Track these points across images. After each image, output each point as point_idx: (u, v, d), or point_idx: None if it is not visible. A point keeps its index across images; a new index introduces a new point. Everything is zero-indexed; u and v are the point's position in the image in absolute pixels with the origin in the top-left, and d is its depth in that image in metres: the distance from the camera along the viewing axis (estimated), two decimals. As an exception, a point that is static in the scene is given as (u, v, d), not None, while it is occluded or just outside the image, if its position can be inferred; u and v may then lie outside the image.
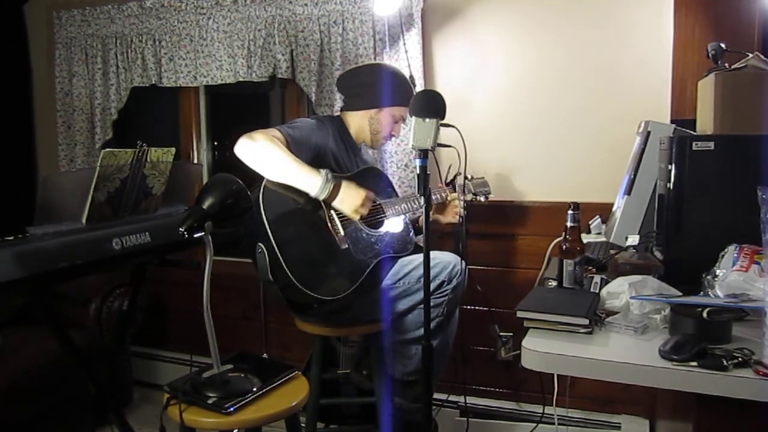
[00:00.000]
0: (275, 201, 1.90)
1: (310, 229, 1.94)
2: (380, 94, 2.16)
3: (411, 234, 2.22)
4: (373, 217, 2.10)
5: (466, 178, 2.25)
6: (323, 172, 1.90)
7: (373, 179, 2.20)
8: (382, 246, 2.08)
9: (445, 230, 2.57)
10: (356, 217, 1.98)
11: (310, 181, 1.89)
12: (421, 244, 2.21)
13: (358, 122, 2.22)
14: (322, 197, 1.90)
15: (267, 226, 1.84)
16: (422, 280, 2.01)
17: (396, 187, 2.54)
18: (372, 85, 2.16)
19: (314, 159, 2.03)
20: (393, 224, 2.14)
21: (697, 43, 2.14)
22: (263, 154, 1.88)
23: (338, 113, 2.37)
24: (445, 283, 2.02)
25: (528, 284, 2.07)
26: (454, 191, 2.31)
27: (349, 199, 1.94)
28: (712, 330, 1.18)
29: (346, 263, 1.96)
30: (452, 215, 2.29)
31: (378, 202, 2.13)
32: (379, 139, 2.25)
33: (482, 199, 2.40)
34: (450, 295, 2.04)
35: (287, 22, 2.70)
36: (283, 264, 1.82)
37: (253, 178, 1.89)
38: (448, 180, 2.34)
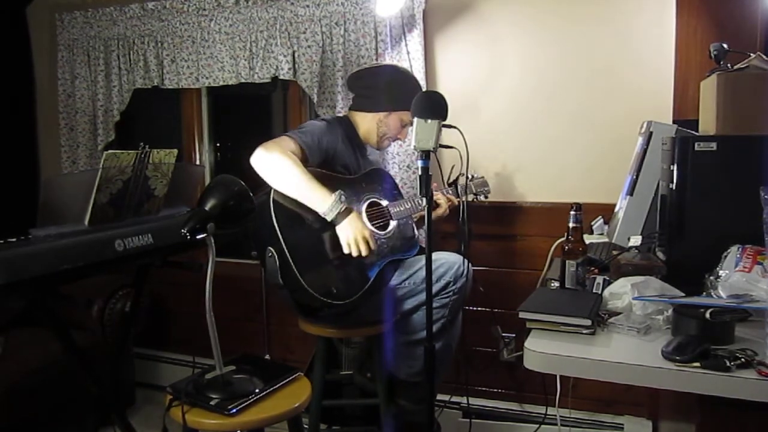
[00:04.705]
0: (285, 204, 1.90)
1: (320, 233, 1.95)
2: (391, 98, 2.16)
3: (416, 235, 2.23)
4: (380, 220, 2.11)
5: (467, 178, 2.26)
6: (337, 193, 1.90)
7: (378, 181, 2.21)
8: (389, 248, 2.09)
9: (447, 231, 2.57)
10: (347, 250, 1.92)
11: (321, 201, 1.89)
12: (424, 245, 2.21)
13: (367, 124, 2.21)
14: (329, 218, 1.90)
15: (277, 230, 1.84)
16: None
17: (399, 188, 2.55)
18: (384, 88, 2.16)
19: (324, 161, 2.04)
20: (398, 226, 2.15)
21: (699, 44, 2.14)
22: (277, 169, 1.88)
23: (345, 112, 2.36)
24: (451, 283, 2.03)
25: (530, 285, 2.07)
26: (456, 192, 2.32)
27: (351, 230, 1.91)
28: (715, 331, 1.17)
29: (354, 266, 1.97)
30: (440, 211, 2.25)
31: (384, 205, 2.13)
32: (385, 142, 2.25)
33: (482, 198, 2.41)
34: (455, 296, 2.04)
35: (289, 24, 2.70)
36: (294, 268, 1.83)
37: (256, 181, 1.90)
38: (450, 181, 2.34)
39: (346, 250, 1.93)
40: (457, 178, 2.33)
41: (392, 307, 2.08)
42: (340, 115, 2.46)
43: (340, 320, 2.06)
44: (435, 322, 1.99)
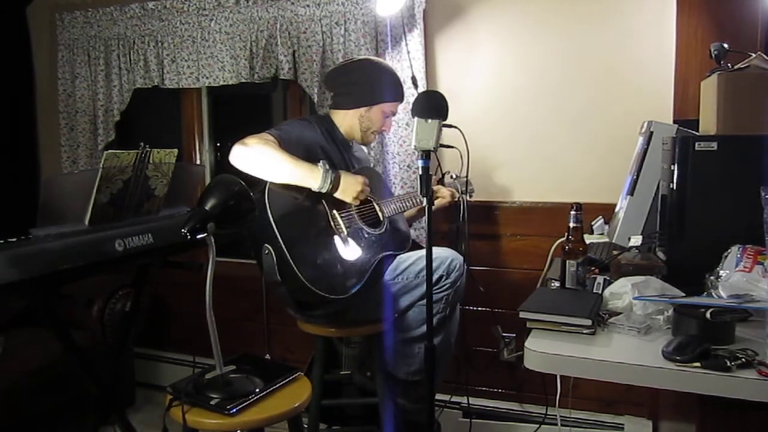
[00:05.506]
0: (280, 202, 1.90)
1: (315, 229, 1.95)
2: (370, 92, 2.15)
3: (408, 232, 2.23)
4: (372, 217, 2.11)
5: (452, 177, 2.28)
6: (321, 164, 1.92)
7: (369, 179, 2.21)
8: (382, 244, 2.09)
9: (443, 230, 2.57)
10: (356, 203, 2.01)
11: (311, 176, 1.90)
12: (418, 242, 2.22)
13: (348, 120, 2.20)
14: (324, 190, 1.91)
15: (274, 227, 1.84)
16: (420, 274, 2.04)
17: (399, 187, 2.55)
18: (361, 83, 2.15)
19: (306, 157, 2.04)
20: (390, 223, 2.16)
21: (699, 44, 2.14)
22: (259, 157, 1.88)
23: (325, 112, 2.37)
24: (444, 277, 2.03)
25: (531, 285, 2.07)
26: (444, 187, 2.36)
27: (350, 189, 1.97)
28: (716, 331, 1.17)
29: (350, 262, 1.97)
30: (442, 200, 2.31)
31: (376, 202, 2.13)
32: (370, 136, 2.24)
33: (468, 197, 2.41)
34: (449, 291, 2.04)
35: (289, 23, 2.70)
36: (292, 263, 1.82)
37: (255, 180, 1.90)
38: (438, 179, 2.36)
39: (354, 203, 2.02)
40: (443, 176, 2.35)
41: (388, 305, 2.08)
42: (321, 114, 2.46)
43: (338, 319, 2.06)
44: (432, 319, 2.00)
